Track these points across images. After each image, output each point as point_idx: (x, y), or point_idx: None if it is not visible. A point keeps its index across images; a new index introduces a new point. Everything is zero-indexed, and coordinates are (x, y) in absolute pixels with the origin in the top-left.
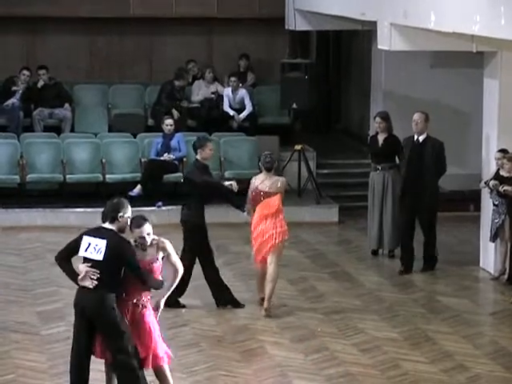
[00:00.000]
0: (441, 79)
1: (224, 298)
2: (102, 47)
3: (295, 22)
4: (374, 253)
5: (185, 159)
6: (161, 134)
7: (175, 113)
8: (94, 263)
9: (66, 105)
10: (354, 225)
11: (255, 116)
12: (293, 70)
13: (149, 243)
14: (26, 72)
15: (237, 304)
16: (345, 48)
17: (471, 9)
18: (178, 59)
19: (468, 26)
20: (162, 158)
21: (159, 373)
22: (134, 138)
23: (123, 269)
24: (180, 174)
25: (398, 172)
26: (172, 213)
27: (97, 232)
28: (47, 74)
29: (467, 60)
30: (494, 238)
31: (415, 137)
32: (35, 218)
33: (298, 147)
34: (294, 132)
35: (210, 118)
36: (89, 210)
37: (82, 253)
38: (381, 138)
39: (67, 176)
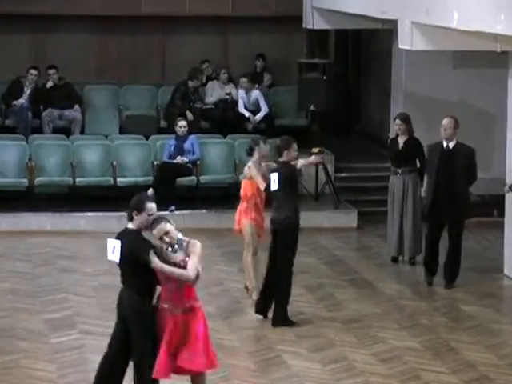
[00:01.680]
0: (464, 80)
1: (263, 308)
2: (113, 47)
3: (313, 21)
4: (394, 260)
5: (198, 162)
6: (174, 136)
7: (189, 114)
8: (119, 265)
9: (76, 106)
10: (373, 230)
11: (271, 117)
12: (310, 70)
13: (174, 243)
14: (33, 71)
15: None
16: (364, 47)
17: (495, 7)
18: (191, 59)
19: (492, 25)
20: (174, 161)
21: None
22: (146, 140)
23: (144, 269)
24: (193, 178)
25: (418, 176)
26: (185, 217)
27: (119, 234)
28: (57, 74)
29: (491, 60)
30: None
31: (444, 143)
32: (44, 223)
33: (315, 150)
34: (311, 134)
35: (225, 120)
36: (99, 214)
37: (109, 256)
38: (401, 140)
39: (77, 179)
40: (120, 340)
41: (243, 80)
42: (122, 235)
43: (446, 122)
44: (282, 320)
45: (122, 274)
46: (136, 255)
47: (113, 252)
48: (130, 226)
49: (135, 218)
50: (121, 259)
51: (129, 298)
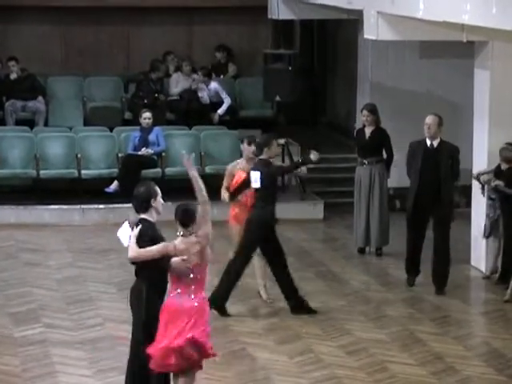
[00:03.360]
0: (430, 70)
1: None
2: (77, 38)
3: (278, 11)
4: (361, 251)
5: (163, 154)
6: (138, 127)
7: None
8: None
9: (40, 97)
10: (340, 222)
11: (235, 108)
12: (276, 60)
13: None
14: None
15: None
16: (330, 38)
17: None
18: (156, 50)
19: (458, 15)
20: (139, 153)
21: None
22: (111, 131)
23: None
24: (158, 170)
25: (385, 166)
26: None
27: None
28: (17, 66)
29: (458, 50)
30: (488, 234)
31: (428, 142)
32: (8, 216)
33: (281, 141)
34: (277, 125)
35: (190, 111)
36: (64, 206)
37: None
38: (368, 131)
39: (41, 172)
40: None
41: (199, 73)
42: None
43: (429, 119)
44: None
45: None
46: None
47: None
48: (144, 216)
49: (154, 205)
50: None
51: (133, 286)
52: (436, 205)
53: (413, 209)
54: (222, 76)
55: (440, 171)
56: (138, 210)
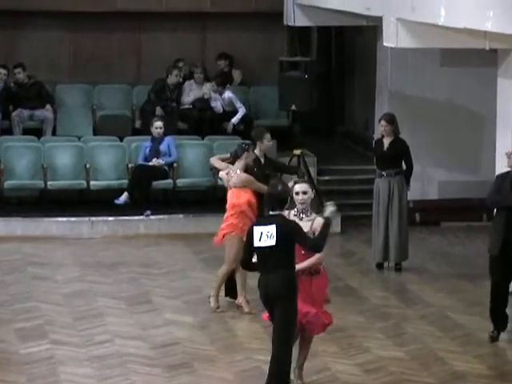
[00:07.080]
0: (451, 78)
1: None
2: (87, 44)
3: (294, 18)
4: (379, 266)
5: (175, 164)
6: (149, 137)
7: (159, 110)
8: (269, 249)
9: (48, 105)
10: (357, 235)
11: (249, 118)
12: (292, 68)
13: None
14: (2, 70)
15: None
16: (348, 45)
17: (484, 4)
18: (168, 57)
19: (480, 22)
20: (150, 164)
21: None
22: (121, 141)
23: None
24: (170, 181)
25: (404, 178)
26: (162, 222)
27: (266, 221)
28: (24, 73)
29: (480, 58)
30: None
31: None
32: (14, 228)
33: (297, 152)
34: (293, 135)
35: (203, 120)
36: (72, 218)
37: (256, 243)
38: (386, 141)
39: (48, 182)
40: None
41: (212, 83)
42: (273, 221)
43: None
44: None
45: (270, 258)
46: (295, 235)
47: (261, 239)
48: (278, 212)
49: (289, 202)
50: (277, 241)
51: (282, 277)
52: None
53: (501, 247)
54: (228, 85)
55: None
56: (275, 208)
